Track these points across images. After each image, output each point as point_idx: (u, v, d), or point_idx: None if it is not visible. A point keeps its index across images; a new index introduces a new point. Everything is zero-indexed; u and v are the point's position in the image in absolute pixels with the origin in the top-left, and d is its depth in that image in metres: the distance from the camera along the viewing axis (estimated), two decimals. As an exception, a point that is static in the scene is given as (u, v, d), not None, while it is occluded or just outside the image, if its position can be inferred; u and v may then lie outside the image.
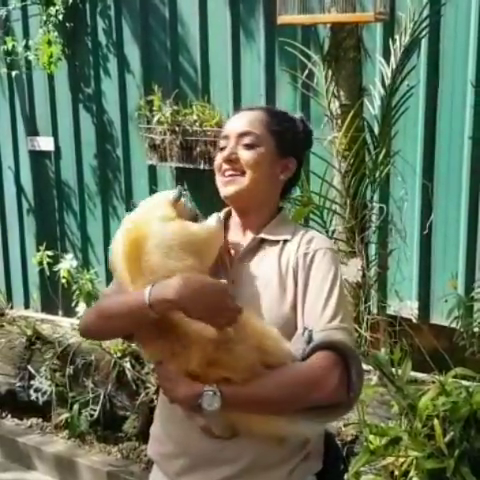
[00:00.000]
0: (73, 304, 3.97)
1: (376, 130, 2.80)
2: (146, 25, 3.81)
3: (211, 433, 1.41)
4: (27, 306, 4.64)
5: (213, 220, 1.53)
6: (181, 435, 1.48)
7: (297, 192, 3.00)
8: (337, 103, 2.76)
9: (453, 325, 2.63)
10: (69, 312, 4.14)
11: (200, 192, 3.14)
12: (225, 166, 1.51)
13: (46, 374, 3.50)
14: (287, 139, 1.52)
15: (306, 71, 2.89)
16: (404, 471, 2.24)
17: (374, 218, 2.91)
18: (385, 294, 3.03)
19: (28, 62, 4.16)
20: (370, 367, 2.63)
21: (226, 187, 1.51)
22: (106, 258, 3.32)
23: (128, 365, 3.34)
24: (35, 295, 4.55)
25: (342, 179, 2.78)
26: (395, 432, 2.27)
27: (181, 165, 3.61)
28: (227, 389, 1.34)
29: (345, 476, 1.87)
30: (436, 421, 2.20)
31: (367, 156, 2.79)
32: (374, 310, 2.94)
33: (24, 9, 4.19)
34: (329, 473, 1.53)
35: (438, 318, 3.07)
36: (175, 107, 3.59)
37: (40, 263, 4.20)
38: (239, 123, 1.52)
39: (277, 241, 1.50)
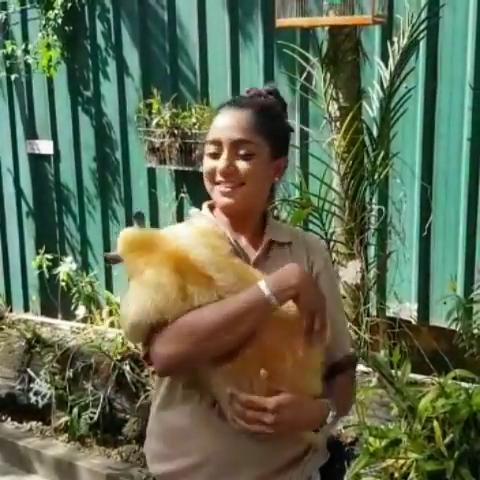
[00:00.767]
0: (72, 307, 3.98)
1: (375, 132, 2.80)
2: (145, 28, 3.81)
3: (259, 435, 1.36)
4: (26, 309, 4.64)
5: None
6: (210, 445, 1.42)
7: (296, 194, 3.01)
8: (336, 105, 2.76)
9: (452, 327, 2.63)
10: (68, 315, 4.14)
11: (199, 195, 3.14)
12: (220, 178, 1.42)
13: (46, 377, 3.49)
14: (280, 139, 1.48)
15: (305, 74, 2.90)
16: (404, 473, 2.23)
17: (373, 220, 2.91)
18: (384, 296, 3.02)
19: (27, 66, 4.17)
20: (370, 369, 2.63)
21: (224, 197, 1.43)
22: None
23: (128, 368, 3.33)
24: (34, 298, 4.55)
25: (341, 181, 2.78)
26: (395, 434, 2.27)
27: (180, 168, 3.62)
28: None
29: (345, 477, 1.87)
30: (436, 423, 2.20)
31: (366, 158, 2.79)
32: (373, 312, 2.94)
33: (23, 13, 4.20)
34: (330, 467, 1.57)
35: (437, 320, 3.07)
36: (174, 110, 3.59)
37: (39, 266, 4.20)
38: (231, 129, 1.41)
39: (283, 243, 1.51)
